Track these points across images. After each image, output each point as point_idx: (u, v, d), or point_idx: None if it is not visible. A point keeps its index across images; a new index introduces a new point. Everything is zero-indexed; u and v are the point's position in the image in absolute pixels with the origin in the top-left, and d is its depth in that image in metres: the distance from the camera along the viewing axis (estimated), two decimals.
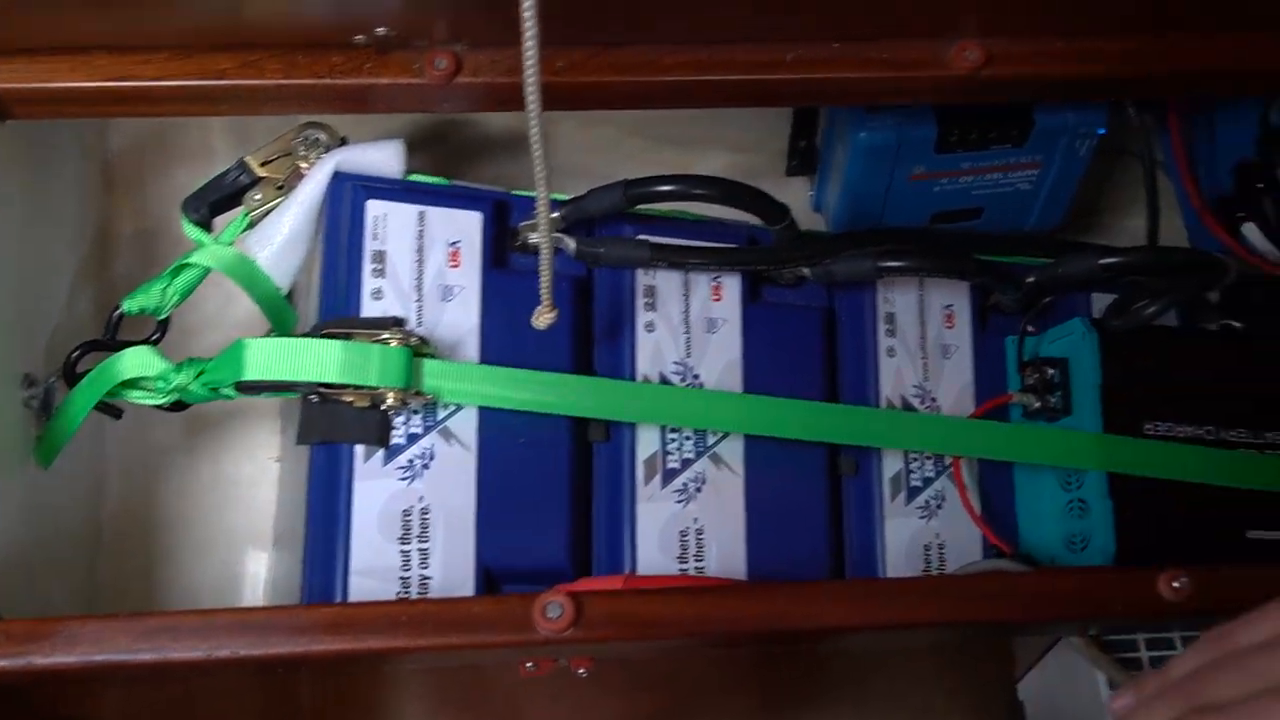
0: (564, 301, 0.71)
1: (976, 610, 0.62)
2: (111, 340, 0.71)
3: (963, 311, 0.79)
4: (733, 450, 0.72)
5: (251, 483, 0.84)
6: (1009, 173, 0.85)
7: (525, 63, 0.49)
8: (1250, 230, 0.85)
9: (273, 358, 0.65)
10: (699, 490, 0.71)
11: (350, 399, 0.66)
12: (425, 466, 0.67)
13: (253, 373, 0.65)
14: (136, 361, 0.67)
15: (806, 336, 0.76)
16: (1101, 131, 0.83)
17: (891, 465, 0.75)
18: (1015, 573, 0.68)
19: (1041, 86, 0.71)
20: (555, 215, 0.72)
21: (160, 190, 0.87)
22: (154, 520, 0.83)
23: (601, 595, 0.59)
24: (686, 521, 0.71)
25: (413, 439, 0.68)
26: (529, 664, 0.62)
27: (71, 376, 0.70)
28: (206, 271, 0.71)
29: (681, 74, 0.68)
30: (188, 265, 0.71)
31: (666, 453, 0.72)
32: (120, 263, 0.85)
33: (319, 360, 0.65)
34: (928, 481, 0.75)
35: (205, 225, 0.72)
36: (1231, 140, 0.86)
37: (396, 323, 0.67)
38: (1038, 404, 0.76)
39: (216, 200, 0.72)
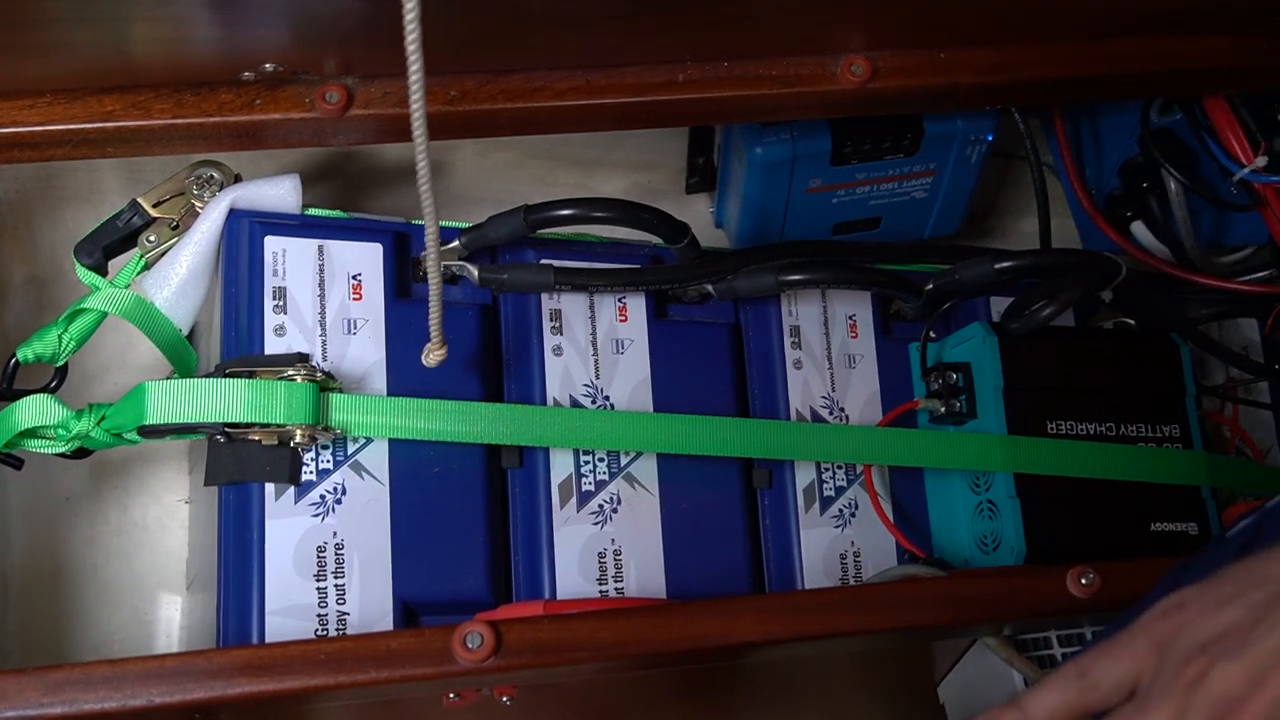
0: (470, 329, 0.72)
1: (893, 618, 0.63)
2: (8, 390, 0.69)
3: (866, 321, 0.80)
4: (647, 469, 0.73)
5: (160, 527, 0.83)
6: (904, 181, 0.87)
7: (411, 95, 0.49)
8: (1139, 229, 0.87)
9: (176, 400, 0.64)
10: (615, 511, 0.72)
11: (258, 437, 0.66)
12: (338, 502, 0.67)
13: (156, 416, 0.64)
14: (35, 410, 0.66)
15: (714, 352, 0.77)
16: (989, 138, 0.85)
17: (804, 476, 0.76)
18: (929, 578, 0.69)
19: (927, 97, 0.73)
20: (455, 244, 0.72)
21: (50, 235, 0.86)
22: (62, 570, 0.82)
23: (520, 623, 0.59)
24: (604, 543, 0.71)
25: (323, 474, 0.67)
26: (452, 695, 0.62)
27: None
28: (103, 316, 0.70)
29: (573, 98, 0.69)
30: (83, 310, 0.70)
31: (581, 475, 0.72)
32: (11, 310, 0.84)
33: (224, 400, 0.64)
34: (840, 490, 0.76)
35: (100, 269, 0.71)
36: (1116, 141, 0.88)
37: (301, 358, 0.67)
38: (943, 409, 0.77)
39: (110, 243, 0.72)
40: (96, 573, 0.82)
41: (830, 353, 0.79)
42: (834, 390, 0.78)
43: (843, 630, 0.62)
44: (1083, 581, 0.64)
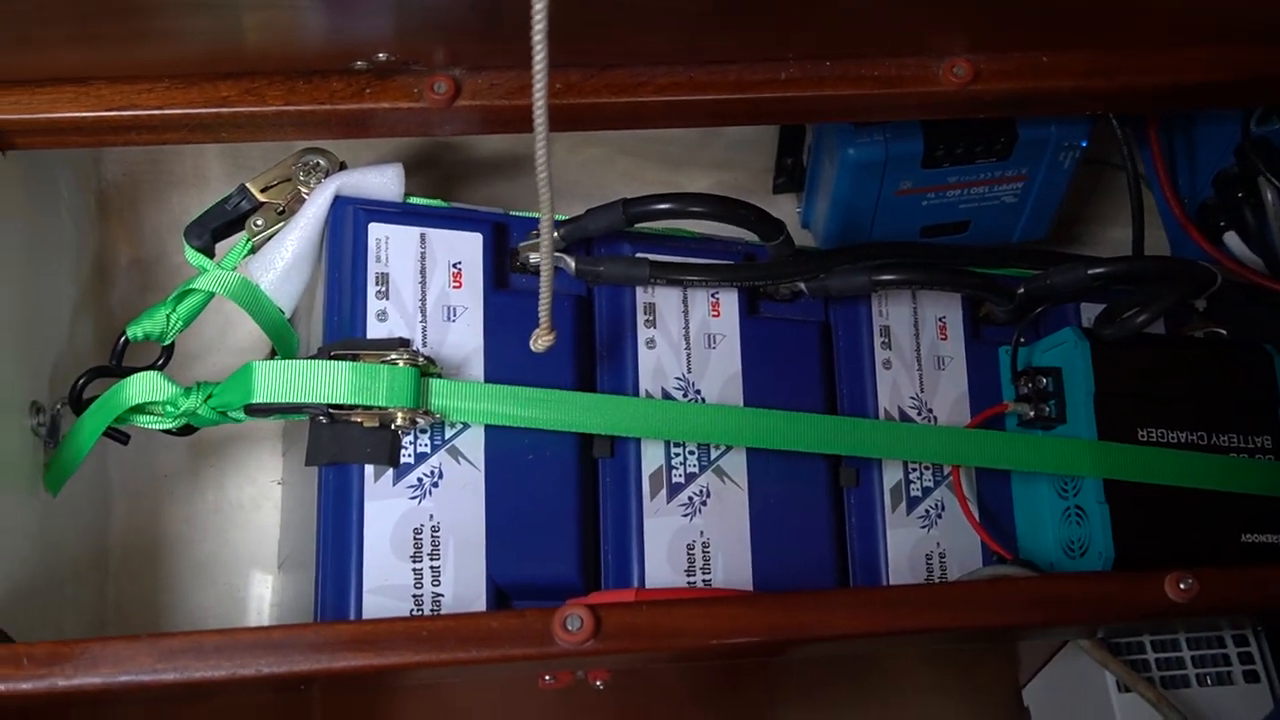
0: (565, 320, 0.73)
1: (990, 616, 0.63)
2: (118, 366, 0.71)
3: (955, 323, 0.81)
4: (736, 464, 0.74)
5: (255, 506, 0.85)
6: (994, 186, 0.87)
7: (535, 86, 0.50)
8: (1232, 239, 0.87)
9: (282, 380, 0.66)
10: (704, 504, 0.72)
11: (359, 419, 0.67)
12: (435, 485, 0.68)
13: (262, 395, 0.66)
14: (145, 386, 0.68)
15: (804, 350, 0.78)
16: (1084, 144, 0.85)
17: (891, 476, 0.77)
18: (1024, 577, 0.69)
19: (1027, 101, 0.73)
20: (555, 235, 0.73)
21: (155, 219, 0.88)
22: (159, 545, 0.84)
23: (619, 607, 0.59)
24: (693, 535, 0.72)
25: (421, 458, 0.68)
26: (548, 677, 0.63)
27: (78, 403, 0.71)
28: (210, 297, 0.72)
29: (675, 94, 0.69)
30: (191, 291, 0.71)
31: (671, 467, 0.73)
32: (117, 291, 0.86)
33: (328, 381, 0.65)
34: (927, 491, 0.77)
35: (208, 251, 0.73)
36: (1211, 150, 0.88)
37: (403, 343, 0.68)
38: (1032, 413, 0.77)
39: (218, 226, 0.73)
40: (192, 549, 0.84)
41: (920, 354, 0.79)
42: (922, 391, 0.79)
43: (939, 626, 0.62)
44: (1181, 586, 0.64)
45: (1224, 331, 0.83)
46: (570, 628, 0.58)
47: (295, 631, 0.58)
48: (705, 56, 0.69)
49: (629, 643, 0.59)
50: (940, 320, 0.80)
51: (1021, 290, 0.80)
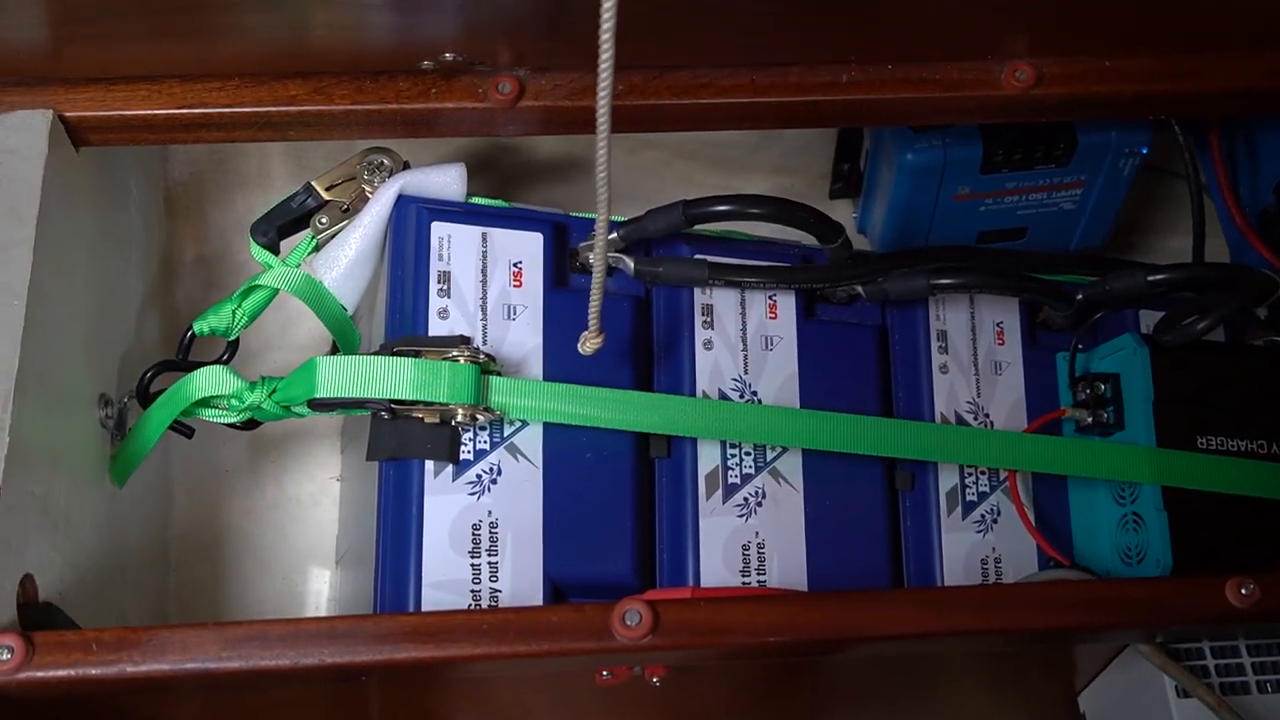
0: (624, 320, 0.73)
1: (1046, 618, 0.63)
2: (184, 361, 0.73)
3: (1013, 328, 0.81)
4: (792, 465, 0.74)
5: (313, 502, 0.86)
6: (1053, 192, 0.87)
7: (599, 87, 0.50)
8: None
9: (345, 375, 0.67)
10: (760, 505, 0.73)
11: (420, 415, 0.68)
12: (493, 482, 0.69)
13: (325, 390, 0.67)
14: (211, 380, 0.69)
15: (861, 353, 0.78)
16: (1144, 151, 0.84)
17: (947, 480, 0.77)
18: (1083, 581, 0.69)
19: (1089, 105, 0.73)
20: (614, 235, 0.74)
21: (220, 217, 0.89)
22: (219, 538, 0.86)
23: (677, 603, 0.60)
24: (748, 535, 0.72)
25: (480, 455, 0.69)
26: (605, 672, 0.64)
27: (145, 397, 0.72)
28: (275, 293, 0.73)
29: (737, 95, 0.70)
30: (257, 287, 0.73)
31: (727, 468, 0.73)
32: (183, 287, 0.88)
33: (391, 377, 0.66)
34: (983, 496, 0.77)
35: (273, 248, 0.74)
36: (1274, 157, 0.87)
37: (464, 341, 0.69)
38: (1090, 419, 0.77)
39: (283, 224, 0.75)
40: (251, 543, 0.86)
41: (977, 358, 0.79)
42: (979, 396, 0.79)
43: (995, 628, 0.62)
44: (1243, 592, 0.63)
45: None
46: (629, 623, 0.59)
47: (358, 622, 0.58)
48: (767, 59, 0.70)
49: (687, 639, 0.59)
50: (998, 325, 0.81)
51: (1080, 296, 0.79)
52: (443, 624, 0.59)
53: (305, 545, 0.86)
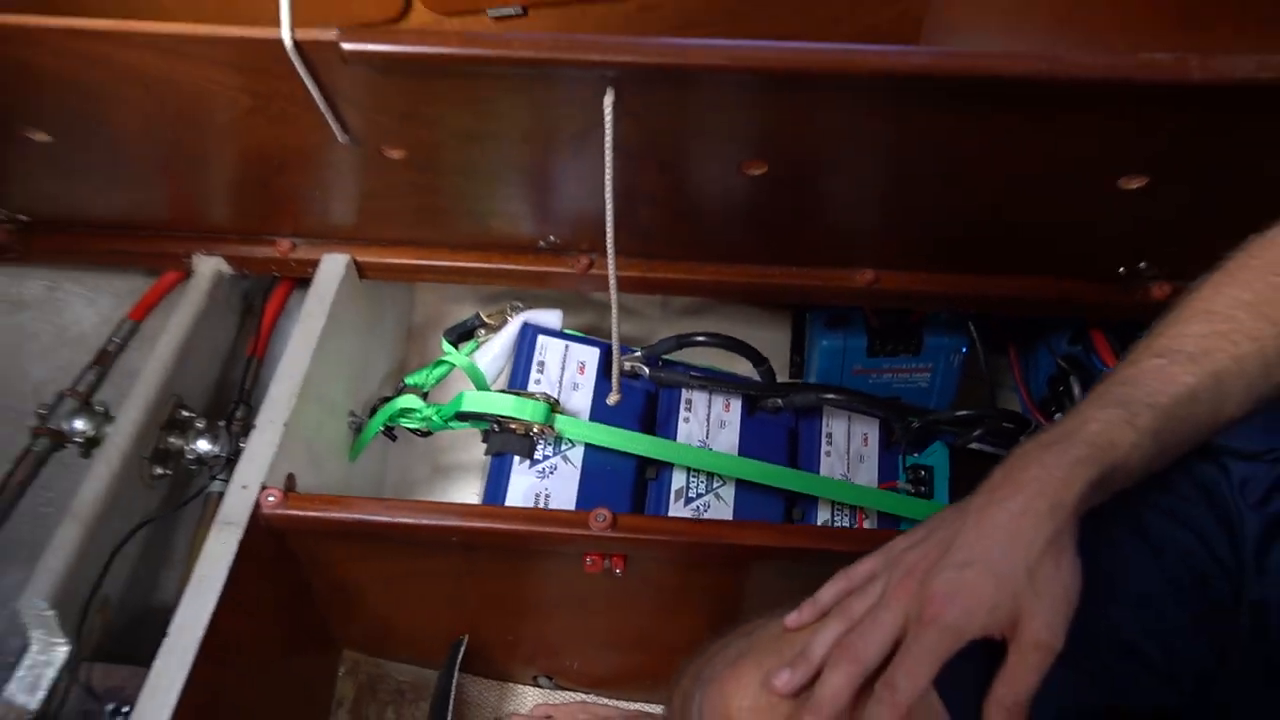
0: (640, 400, 0.97)
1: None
2: (394, 395, 0.98)
3: (873, 437, 1.01)
4: (728, 491, 0.94)
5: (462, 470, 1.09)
6: (913, 374, 1.08)
7: (609, 272, 0.77)
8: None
9: (478, 402, 0.91)
10: (705, 511, 0.92)
11: (515, 428, 0.91)
12: (551, 471, 0.91)
13: (467, 408, 0.91)
14: (407, 400, 0.94)
15: (778, 441, 0.99)
16: (964, 350, 1.05)
17: (823, 514, 0.95)
18: None
19: (912, 298, 0.94)
20: (639, 353, 0.98)
21: (438, 330, 1.14)
22: (412, 488, 1.08)
23: (630, 515, 0.79)
24: None
25: (545, 457, 0.92)
26: (588, 559, 0.81)
27: (372, 414, 0.97)
28: (452, 368, 0.99)
29: (714, 276, 0.94)
30: (442, 362, 0.98)
31: (689, 487, 0.93)
32: (409, 365, 1.13)
33: (502, 405, 0.91)
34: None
35: (454, 345, 1.00)
36: (1045, 362, 1.07)
37: (545, 395, 0.93)
38: (914, 490, 0.95)
39: (461, 333, 1.01)
40: (424, 491, 1.08)
41: (849, 451, 0.99)
42: (849, 472, 0.98)
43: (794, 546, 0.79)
44: None
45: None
46: (599, 520, 0.78)
47: (469, 507, 0.80)
48: (731, 258, 0.94)
49: (635, 535, 0.78)
50: (864, 434, 1.00)
51: (915, 423, 0.99)
52: (516, 513, 0.81)
53: (457, 491, 1.08)
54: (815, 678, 0.53)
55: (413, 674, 1.01)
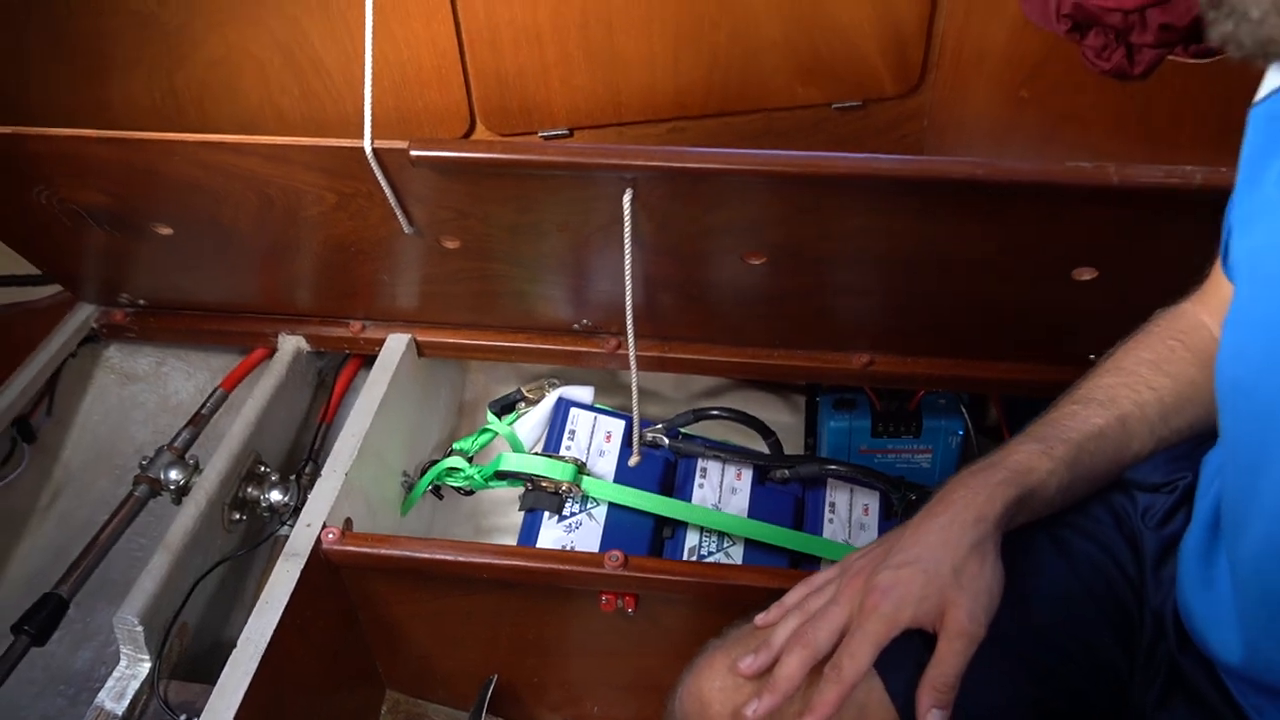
0: (660, 467, 1.08)
1: None
2: (443, 458, 1.10)
3: (873, 508, 1.10)
4: (738, 551, 1.04)
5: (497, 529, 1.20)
6: (914, 455, 1.17)
7: (629, 350, 0.90)
8: None
9: (514, 462, 1.04)
10: None
11: (546, 486, 1.03)
12: (577, 525, 1.02)
13: (505, 468, 1.03)
14: (453, 461, 1.07)
15: (784, 509, 1.08)
16: (961, 432, 1.15)
17: None
18: None
19: (903, 380, 1.05)
20: (660, 426, 1.10)
21: (484, 403, 1.26)
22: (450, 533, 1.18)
23: (641, 557, 0.89)
24: None
25: (573, 514, 1.03)
26: (603, 598, 0.91)
27: (421, 474, 1.10)
28: (495, 435, 1.11)
29: (724, 356, 1.06)
30: (486, 431, 1.11)
31: (702, 545, 1.03)
32: (458, 433, 1.26)
33: (535, 465, 1.03)
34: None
35: (499, 415, 1.13)
36: None
37: (574, 459, 1.04)
38: None
39: (504, 405, 1.14)
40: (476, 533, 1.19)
41: (850, 519, 1.08)
42: (850, 538, 1.07)
43: None
44: None
45: None
46: (612, 560, 0.88)
47: (502, 547, 0.91)
48: (740, 341, 1.06)
49: (643, 574, 0.88)
50: (865, 505, 1.10)
51: (914, 496, 1.08)
52: (543, 554, 0.92)
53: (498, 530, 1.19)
54: (776, 663, 0.61)
55: (448, 715, 1.11)
